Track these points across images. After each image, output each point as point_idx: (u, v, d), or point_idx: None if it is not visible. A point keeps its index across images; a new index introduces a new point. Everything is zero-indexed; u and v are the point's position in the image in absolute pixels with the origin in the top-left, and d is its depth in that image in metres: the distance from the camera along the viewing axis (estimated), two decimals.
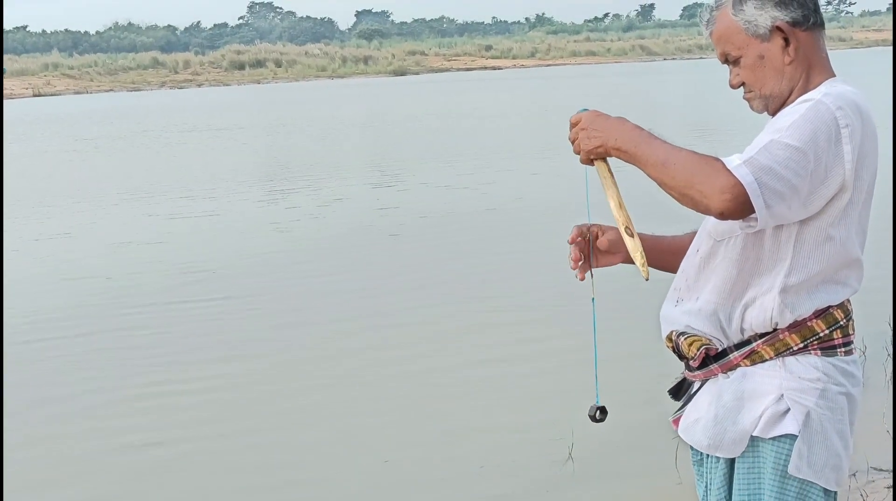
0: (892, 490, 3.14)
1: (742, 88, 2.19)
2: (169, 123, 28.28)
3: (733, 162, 1.95)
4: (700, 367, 2.20)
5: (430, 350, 6.53)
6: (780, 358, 2.12)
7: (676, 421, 2.33)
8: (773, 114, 2.16)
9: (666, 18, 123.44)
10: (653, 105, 27.33)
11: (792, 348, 2.12)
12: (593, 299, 2.27)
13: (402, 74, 63.82)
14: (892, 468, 3.25)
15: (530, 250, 9.28)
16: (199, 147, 21.69)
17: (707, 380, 2.23)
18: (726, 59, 2.17)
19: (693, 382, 2.29)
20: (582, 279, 2.35)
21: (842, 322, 2.14)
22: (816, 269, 2.10)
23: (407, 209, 12.14)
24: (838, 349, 2.14)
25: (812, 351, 2.12)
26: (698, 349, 2.16)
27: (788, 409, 2.10)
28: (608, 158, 2.14)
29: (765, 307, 2.11)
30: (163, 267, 9.28)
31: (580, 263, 2.35)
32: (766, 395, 2.12)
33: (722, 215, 1.95)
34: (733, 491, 2.18)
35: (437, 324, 7.10)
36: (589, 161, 2.15)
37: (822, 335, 2.12)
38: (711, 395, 2.20)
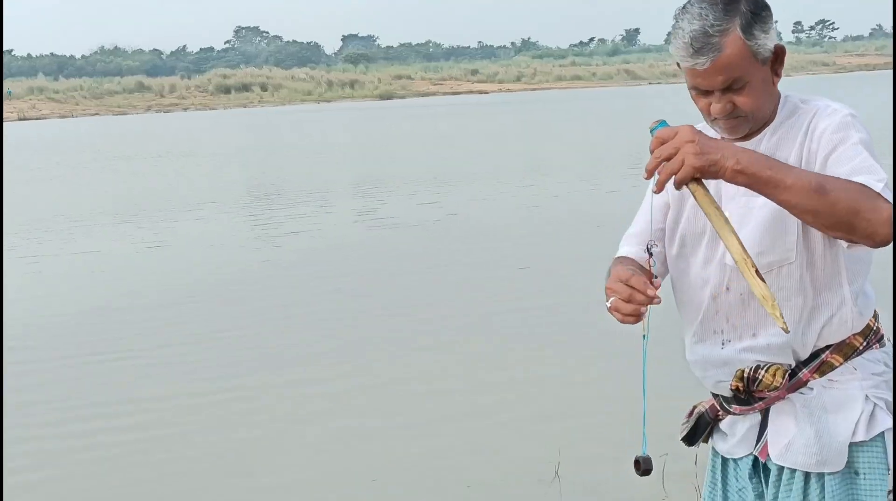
0: (891, 490, 3.16)
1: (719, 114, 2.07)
2: (159, 146, 28.24)
3: (877, 186, 1.88)
4: (747, 401, 2.20)
5: (418, 372, 6.50)
6: (849, 362, 2.15)
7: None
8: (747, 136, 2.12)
9: (651, 43, 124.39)
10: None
11: (858, 349, 2.15)
12: (645, 335, 2.05)
13: (389, 97, 64.09)
14: (891, 467, 3.27)
15: (523, 276, 9.30)
16: (180, 170, 21.66)
17: (768, 408, 2.21)
18: (728, 87, 2.02)
19: (733, 416, 2.27)
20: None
21: (876, 311, 2.21)
22: (864, 268, 2.16)
23: (391, 230, 12.15)
24: (884, 337, 2.21)
25: (874, 346, 2.18)
26: (784, 376, 2.14)
27: (875, 406, 2.14)
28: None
29: (844, 320, 2.13)
30: (130, 295, 9.24)
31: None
32: (855, 400, 2.13)
33: (882, 243, 1.87)
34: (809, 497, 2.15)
35: (426, 346, 7.08)
36: (686, 182, 1.86)
37: (874, 328, 2.19)
38: (792, 416, 2.17)
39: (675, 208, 2.24)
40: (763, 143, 2.11)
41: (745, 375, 2.15)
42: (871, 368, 2.16)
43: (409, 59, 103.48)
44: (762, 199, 1.97)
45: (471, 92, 67.35)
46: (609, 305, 2.01)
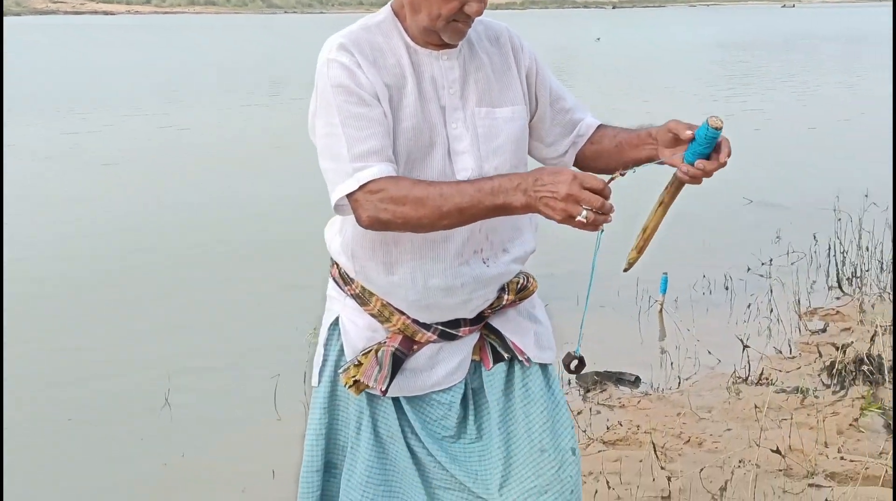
0: (892, 486, 3.41)
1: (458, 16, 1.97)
2: None
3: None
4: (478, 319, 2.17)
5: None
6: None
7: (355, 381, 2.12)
8: None
9: None
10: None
11: None
12: (602, 230, 1.81)
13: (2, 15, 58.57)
14: (892, 463, 3.54)
15: (164, 204, 8.99)
16: None
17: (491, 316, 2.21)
18: None
19: (433, 345, 2.14)
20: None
21: None
22: None
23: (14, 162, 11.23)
24: None
25: None
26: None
27: None
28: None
29: (533, 224, 2.22)
30: None
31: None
32: (534, 295, 2.29)
33: None
34: (552, 384, 2.24)
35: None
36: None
37: None
38: (519, 318, 2.22)
39: (392, 119, 1.99)
40: (481, 45, 2.09)
41: (519, 285, 2.19)
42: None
43: None
44: (502, 111, 2.05)
45: (95, 12, 63.32)
46: (583, 218, 1.75)
